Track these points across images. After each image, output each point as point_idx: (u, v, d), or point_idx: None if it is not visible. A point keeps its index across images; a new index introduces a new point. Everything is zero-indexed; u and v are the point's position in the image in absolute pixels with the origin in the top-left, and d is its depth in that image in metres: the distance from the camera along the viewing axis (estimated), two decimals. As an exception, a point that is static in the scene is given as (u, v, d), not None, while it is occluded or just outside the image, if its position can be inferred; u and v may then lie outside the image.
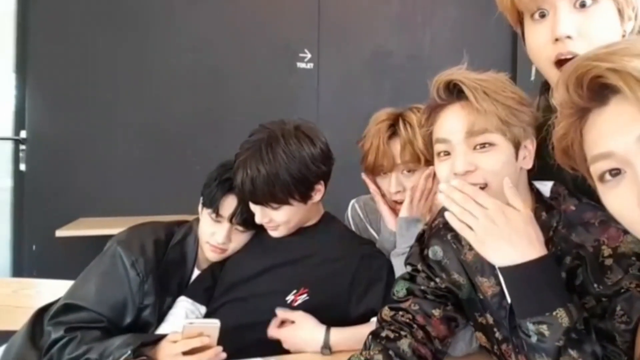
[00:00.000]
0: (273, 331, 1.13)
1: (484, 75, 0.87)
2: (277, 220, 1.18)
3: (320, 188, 1.21)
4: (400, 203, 1.25)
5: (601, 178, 0.56)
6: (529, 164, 0.89)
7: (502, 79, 0.88)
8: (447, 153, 0.87)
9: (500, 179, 0.84)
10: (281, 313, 1.13)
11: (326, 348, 1.10)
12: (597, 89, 0.55)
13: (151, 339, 1.08)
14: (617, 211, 0.57)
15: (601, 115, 0.55)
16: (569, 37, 0.84)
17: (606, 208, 0.59)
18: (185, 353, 1.01)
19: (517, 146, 0.86)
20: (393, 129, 1.24)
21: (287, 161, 1.12)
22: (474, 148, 0.85)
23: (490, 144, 0.84)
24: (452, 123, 0.87)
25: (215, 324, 1.03)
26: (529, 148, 0.88)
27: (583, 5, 0.84)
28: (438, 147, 0.89)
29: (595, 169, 0.57)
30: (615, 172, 0.54)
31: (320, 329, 1.11)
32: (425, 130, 0.93)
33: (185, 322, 1.04)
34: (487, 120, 0.83)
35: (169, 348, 1.04)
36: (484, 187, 0.84)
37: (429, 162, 1.20)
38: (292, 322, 1.12)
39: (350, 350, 1.05)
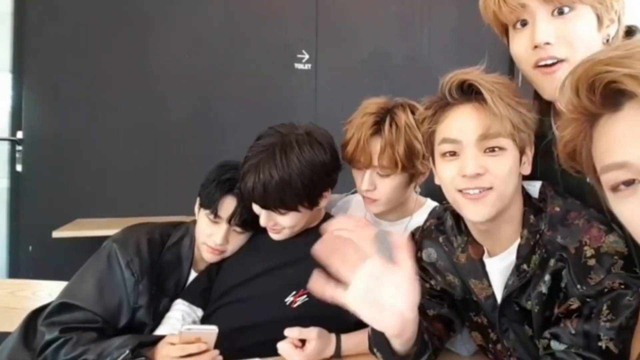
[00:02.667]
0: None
1: (496, 78, 0.86)
2: (282, 224, 1.18)
3: (327, 195, 1.21)
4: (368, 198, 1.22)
5: (614, 188, 0.53)
6: (528, 169, 0.89)
7: (511, 84, 0.87)
8: (453, 154, 0.86)
9: (505, 184, 0.84)
10: (294, 333, 1.05)
11: (337, 356, 1.09)
12: (610, 95, 0.52)
13: (149, 339, 1.08)
14: (630, 222, 0.55)
15: (614, 122, 0.53)
16: (548, 43, 0.86)
17: (617, 217, 0.57)
18: (182, 356, 1.01)
19: (522, 152, 0.87)
20: (377, 127, 1.17)
21: (300, 168, 1.11)
22: (484, 151, 0.84)
23: (501, 148, 0.84)
24: (464, 124, 0.85)
25: (213, 330, 1.03)
26: (529, 155, 0.89)
27: (561, 13, 0.86)
28: (444, 147, 0.87)
29: (608, 178, 0.54)
30: (630, 182, 0.52)
31: (331, 338, 1.10)
32: (427, 128, 0.91)
33: (184, 328, 1.04)
34: (501, 125, 0.82)
35: (166, 350, 1.04)
36: (488, 190, 0.83)
37: (405, 169, 1.17)
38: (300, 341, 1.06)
39: (359, 354, 1.06)
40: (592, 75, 0.52)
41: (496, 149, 0.84)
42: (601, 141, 0.55)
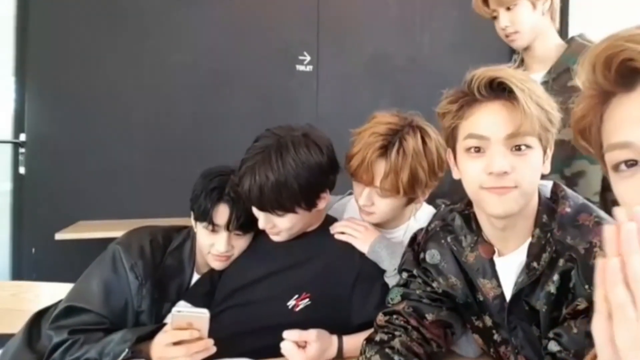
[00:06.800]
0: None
1: (523, 75, 0.86)
2: (281, 226, 1.18)
3: (325, 196, 1.20)
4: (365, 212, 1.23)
5: (615, 167, 0.53)
6: (547, 168, 0.89)
7: (535, 80, 0.88)
8: (478, 150, 0.86)
9: (529, 182, 0.84)
10: (293, 335, 1.05)
11: (339, 358, 1.09)
12: (625, 73, 0.51)
13: (146, 331, 1.08)
14: (625, 203, 0.54)
15: (625, 101, 0.52)
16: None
17: (617, 198, 0.56)
18: (175, 343, 1.00)
19: (545, 151, 0.87)
20: (384, 150, 1.14)
21: (296, 170, 1.11)
22: (511, 149, 0.84)
23: (528, 147, 0.84)
24: (493, 121, 0.85)
25: (204, 314, 1.02)
26: (549, 154, 0.89)
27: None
28: (470, 143, 0.87)
29: (611, 157, 0.54)
30: (632, 163, 0.51)
31: (332, 339, 1.10)
32: (450, 122, 0.90)
33: (174, 310, 1.04)
34: (531, 124, 0.82)
35: (159, 337, 1.04)
36: (513, 188, 0.83)
37: (406, 195, 1.16)
38: (304, 342, 1.06)
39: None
40: (609, 51, 0.51)
41: (523, 147, 0.84)
42: (611, 120, 0.54)
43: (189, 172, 2.64)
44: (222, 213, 1.18)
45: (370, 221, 1.24)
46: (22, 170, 2.61)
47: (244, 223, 1.20)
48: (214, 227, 1.19)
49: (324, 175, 1.16)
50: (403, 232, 1.28)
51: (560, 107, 1.41)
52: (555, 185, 0.93)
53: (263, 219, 1.17)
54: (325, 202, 1.22)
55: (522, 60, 1.58)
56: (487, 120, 0.85)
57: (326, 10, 3.00)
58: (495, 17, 1.51)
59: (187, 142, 2.76)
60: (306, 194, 1.14)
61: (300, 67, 2.96)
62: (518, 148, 0.84)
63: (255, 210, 1.17)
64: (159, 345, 1.03)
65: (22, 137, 2.60)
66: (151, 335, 1.07)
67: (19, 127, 2.60)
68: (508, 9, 1.45)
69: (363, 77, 3.03)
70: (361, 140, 1.18)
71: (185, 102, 2.78)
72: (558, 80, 1.44)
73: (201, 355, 1.01)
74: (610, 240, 0.41)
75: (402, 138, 1.15)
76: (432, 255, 1.03)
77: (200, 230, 1.22)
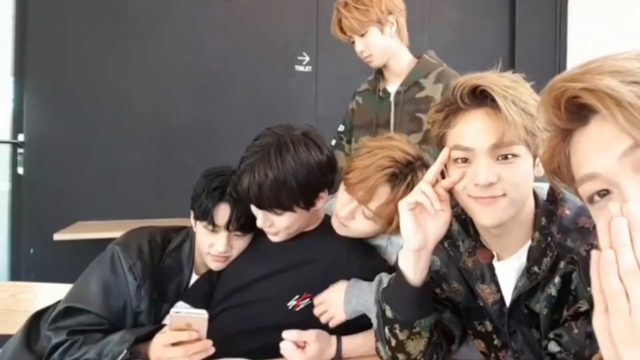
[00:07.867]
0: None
1: (508, 81, 0.83)
2: (279, 225, 1.17)
3: (323, 196, 1.20)
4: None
5: (590, 200, 0.54)
6: (541, 171, 0.88)
7: (524, 85, 0.85)
8: (465, 160, 0.84)
9: (519, 190, 0.83)
10: (293, 336, 1.06)
11: (338, 358, 1.09)
12: (575, 110, 0.53)
13: (144, 332, 1.08)
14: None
15: (583, 136, 0.54)
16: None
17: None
18: (173, 344, 1.01)
19: (535, 156, 0.84)
20: (395, 178, 1.08)
21: (295, 168, 1.10)
22: (497, 159, 0.82)
23: (514, 156, 0.81)
24: (476, 131, 0.83)
25: (203, 314, 1.02)
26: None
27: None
28: (456, 154, 0.85)
29: (583, 190, 0.55)
30: (603, 193, 0.52)
31: (332, 340, 1.10)
32: (438, 131, 0.89)
33: (172, 311, 1.04)
34: (515, 132, 0.79)
35: (157, 338, 1.05)
36: (501, 197, 0.82)
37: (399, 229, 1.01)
38: (304, 342, 1.07)
39: (360, 357, 1.07)
40: (554, 92, 0.54)
41: (509, 156, 0.81)
42: (575, 155, 0.56)
43: (188, 172, 2.64)
44: (222, 213, 1.18)
45: (340, 233, 1.19)
46: (20, 170, 2.60)
47: (244, 224, 1.20)
48: (214, 227, 1.19)
49: (323, 174, 1.16)
50: (386, 240, 1.25)
51: (410, 116, 1.66)
52: (552, 188, 0.92)
53: (261, 218, 1.16)
54: (324, 201, 1.21)
55: (382, 74, 1.83)
56: (471, 130, 0.83)
57: (326, 10, 2.98)
58: (352, 42, 1.72)
59: (187, 142, 2.76)
60: (305, 192, 1.13)
61: (299, 68, 2.96)
62: (504, 157, 0.81)
63: (253, 209, 1.17)
64: (158, 346, 1.03)
65: (21, 137, 2.59)
66: (150, 336, 1.07)
67: (17, 127, 2.60)
68: (362, 35, 1.68)
69: (362, 78, 3.03)
70: (371, 157, 1.10)
71: (185, 103, 2.78)
72: (409, 92, 1.71)
73: (200, 356, 1.01)
74: (603, 234, 0.42)
75: (414, 174, 1.10)
76: (432, 262, 1.01)
77: (200, 230, 1.22)
